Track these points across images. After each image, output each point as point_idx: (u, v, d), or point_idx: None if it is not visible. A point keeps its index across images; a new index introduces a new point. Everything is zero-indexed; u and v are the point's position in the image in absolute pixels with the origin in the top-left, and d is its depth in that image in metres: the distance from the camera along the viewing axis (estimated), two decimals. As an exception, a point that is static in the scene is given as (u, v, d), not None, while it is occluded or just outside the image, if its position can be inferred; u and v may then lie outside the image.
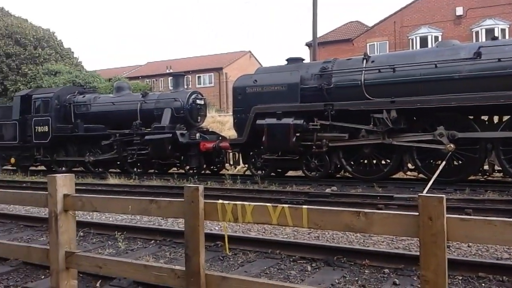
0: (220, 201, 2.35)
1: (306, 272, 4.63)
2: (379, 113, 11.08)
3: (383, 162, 11.78)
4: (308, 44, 30.66)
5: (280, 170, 13.77)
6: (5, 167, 18.94)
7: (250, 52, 43.13)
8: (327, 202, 8.72)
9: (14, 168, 18.56)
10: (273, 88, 12.63)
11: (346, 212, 2.12)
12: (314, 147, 11.99)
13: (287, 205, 2.26)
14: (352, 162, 12.01)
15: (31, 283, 4.54)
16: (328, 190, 10.62)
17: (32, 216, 8.20)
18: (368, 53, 13.03)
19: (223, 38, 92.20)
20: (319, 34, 23.67)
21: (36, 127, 17.20)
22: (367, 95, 11.44)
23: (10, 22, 31.99)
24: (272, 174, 13.37)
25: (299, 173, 13.52)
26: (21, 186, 13.62)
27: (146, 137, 15.03)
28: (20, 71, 30.12)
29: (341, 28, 33.70)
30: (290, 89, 12.41)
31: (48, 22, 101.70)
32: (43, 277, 4.80)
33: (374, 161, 11.81)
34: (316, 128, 11.94)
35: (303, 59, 13.72)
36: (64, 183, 2.65)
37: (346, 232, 6.20)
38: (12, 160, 18.20)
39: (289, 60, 13.38)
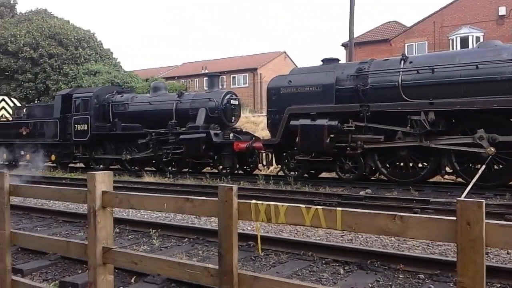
0: (254, 201, 2.35)
1: (339, 275, 4.58)
2: (416, 115, 10.85)
3: (419, 165, 11.52)
4: (344, 45, 30.34)
5: (313, 172, 13.68)
6: (46, 164, 19.62)
7: (285, 52, 43.05)
8: (361, 205, 8.60)
9: (54, 165, 19.19)
10: (308, 89, 12.56)
11: (381, 215, 2.08)
12: (348, 148, 11.86)
13: (320, 207, 2.24)
14: (387, 165, 11.81)
15: (68, 277, 4.69)
16: (362, 193, 10.48)
17: (71, 212, 8.46)
18: (406, 54, 12.78)
19: (258, 38, 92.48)
20: (355, 34, 23.39)
21: (76, 125, 17.72)
22: (404, 97, 11.22)
23: (53, 24, 33.11)
24: (305, 175, 13.30)
25: (333, 174, 13.40)
26: (61, 182, 14.06)
27: (181, 136, 15.23)
28: (61, 71, 31.12)
29: (378, 28, 33.19)
30: (325, 90, 12.32)
31: (88, 23, 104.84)
32: (80, 271, 4.95)
33: (411, 164, 11.56)
34: (351, 130, 11.80)
35: (339, 60, 13.60)
36: (102, 180, 2.72)
37: (380, 236, 6.11)
38: (53, 157, 18.82)
39: (325, 61, 13.29)
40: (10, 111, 24.27)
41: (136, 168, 16.78)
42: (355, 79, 12.15)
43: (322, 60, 13.37)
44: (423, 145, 10.89)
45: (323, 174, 14.09)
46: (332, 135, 11.96)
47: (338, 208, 2.18)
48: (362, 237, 6.20)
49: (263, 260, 5.17)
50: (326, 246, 5.37)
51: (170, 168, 16.04)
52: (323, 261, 5.01)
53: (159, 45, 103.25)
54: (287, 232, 6.73)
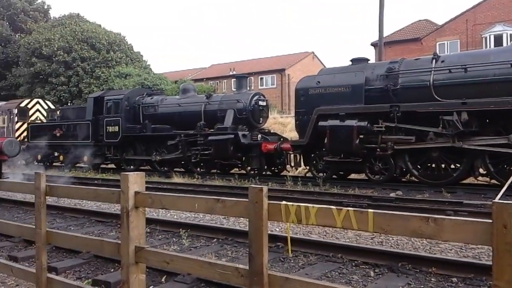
0: (284, 202, 2.35)
1: (369, 278, 4.53)
2: (449, 115, 10.61)
3: (452, 166, 11.26)
4: (374, 44, 29.97)
5: (342, 173, 13.56)
6: (78, 165, 20.11)
7: (313, 53, 42.85)
8: (392, 207, 8.46)
9: (87, 166, 19.63)
10: (337, 89, 12.46)
11: (414, 217, 2.05)
12: (378, 149, 11.70)
13: (352, 209, 2.22)
14: (418, 166, 11.59)
15: (101, 276, 4.79)
16: (392, 195, 10.32)
17: (103, 211, 8.63)
18: (438, 53, 12.52)
19: (286, 39, 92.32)
20: (385, 34, 23.07)
21: (108, 127, 18.09)
22: (436, 96, 11.00)
23: (86, 28, 33.95)
24: (334, 176, 13.19)
25: (362, 176, 13.24)
26: (93, 183, 14.36)
27: (209, 137, 15.35)
28: (93, 74, 31.86)
29: (409, 27, 32.63)
30: (354, 90, 12.19)
31: (119, 27, 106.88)
32: (112, 270, 5.04)
33: (443, 165, 11.30)
34: (381, 130, 11.63)
35: (368, 60, 13.44)
36: (135, 181, 2.77)
37: (411, 239, 6.01)
38: (85, 158, 19.26)
39: (354, 61, 13.16)
40: (45, 114, 25.03)
41: (165, 169, 17.00)
42: (385, 79, 11.98)
43: (351, 60, 13.24)
44: (456, 146, 10.64)
45: (352, 176, 13.94)
46: (361, 136, 11.82)
47: (370, 210, 2.16)
48: (393, 239, 6.11)
49: (292, 261, 5.16)
50: (356, 248, 5.32)
51: (198, 169, 16.18)
52: (353, 263, 4.96)
53: (188, 47, 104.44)
54: (316, 233, 6.69)
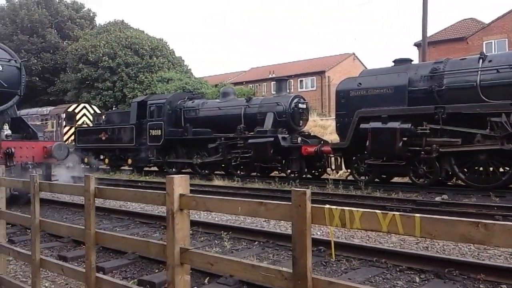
0: (328, 206, 2.33)
1: (414, 284, 4.42)
2: (497, 116, 10.22)
3: (501, 169, 10.82)
4: (417, 44, 29.26)
5: (385, 176, 13.29)
6: (122, 167, 20.68)
7: (354, 54, 42.28)
8: (437, 211, 8.23)
9: (131, 168, 20.17)
10: (379, 91, 12.25)
11: (463, 222, 1.98)
12: (422, 152, 11.39)
13: (398, 213, 2.18)
14: (465, 169, 11.20)
15: (146, 276, 4.91)
16: (438, 199, 10.03)
17: (147, 213, 8.84)
18: (485, 52, 12.09)
19: (326, 41, 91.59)
20: (429, 33, 22.47)
21: (151, 130, 18.52)
22: (483, 97, 10.62)
23: (130, 34, 34.92)
24: (376, 180, 12.95)
25: (406, 179, 12.94)
26: (137, 185, 14.74)
27: (249, 140, 15.42)
28: (137, 79, 32.70)
29: (453, 26, 31.67)
30: (397, 92, 11.94)
31: (161, 32, 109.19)
32: (156, 271, 5.16)
33: (491, 169, 10.88)
34: (425, 133, 11.33)
35: (412, 60, 13.14)
36: (180, 184, 2.82)
37: (458, 244, 5.83)
38: (129, 161, 19.80)
39: (396, 62, 12.90)
40: (91, 118, 25.93)
41: (206, 171, 17.21)
42: (429, 80, 11.68)
43: (394, 61, 12.99)
44: (505, 148, 10.21)
45: (395, 179, 13.65)
46: (404, 138, 11.55)
47: (417, 215, 2.11)
48: (439, 244, 5.94)
49: (334, 265, 5.11)
50: (400, 253, 5.21)
51: (239, 172, 16.29)
52: (397, 269, 4.86)
53: (228, 51, 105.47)
54: (358, 238, 6.60)
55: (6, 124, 10.77)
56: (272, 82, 35.95)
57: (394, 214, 2.15)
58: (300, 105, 15.98)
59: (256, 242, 6.33)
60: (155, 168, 20.12)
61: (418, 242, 6.14)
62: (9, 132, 10.63)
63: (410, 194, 11.17)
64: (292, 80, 35.75)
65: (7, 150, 9.87)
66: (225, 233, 6.54)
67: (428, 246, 5.98)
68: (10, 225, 7.59)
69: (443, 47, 28.30)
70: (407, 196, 10.69)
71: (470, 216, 7.63)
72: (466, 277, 4.47)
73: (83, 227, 3.64)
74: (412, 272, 4.75)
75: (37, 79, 38.00)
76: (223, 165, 17.07)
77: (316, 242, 5.74)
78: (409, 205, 9.20)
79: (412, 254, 5.14)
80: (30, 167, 10.07)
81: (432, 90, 11.45)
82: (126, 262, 5.51)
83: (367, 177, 12.76)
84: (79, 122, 25.54)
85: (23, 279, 4.96)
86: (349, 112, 12.65)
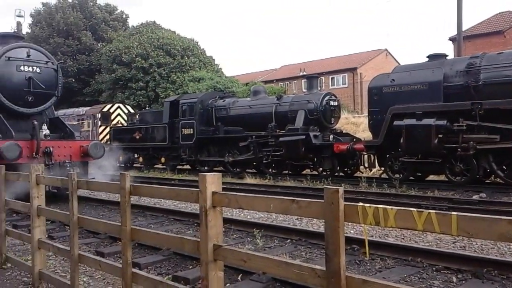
0: (361, 203, 2.31)
1: (451, 283, 4.32)
2: (537, 112, 9.85)
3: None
4: (452, 39, 28.53)
5: (419, 174, 13.02)
6: (156, 166, 21.03)
7: (386, 50, 41.53)
8: (474, 210, 8.00)
9: (164, 166, 20.50)
10: (413, 87, 12.00)
11: (503, 220, 1.92)
12: (459, 149, 11.10)
13: (433, 211, 2.13)
14: (504, 167, 10.85)
15: (180, 272, 4.98)
16: (475, 197, 9.76)
17: (181, 210, 8.96)
18: (524, 45, 11.67)
19: (357, 37, 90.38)
20: (464, 27, 21.85)
21: (183, 129, 18.76)
22: (522, 92, 10.26)
23: (162, 35, 35.43)
24: (411, 178, 12.71)
25: (442, 177, 12.64)
26: (170, 183, 14.95)
27: (281, 138, 15.40)
28: (169, 78, 33.16)
29: (490, 19, 30.67)
30: (431, 88, 11.68)
31: (192, 32, 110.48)
32: (190, 267, 5.23)
33: (531, 166, 10.51)
34: (462, 129, 11.03)
35: (447, 55, 12.81)
36: (212, 181, 2.85)
37: (497, 243, 5.66)
38: (162, 159, 20.13)
39: (431, 57, 12.60)
40: (125, 117, 26.48)
41: (237, 169, 17.30)
42: (465, 75, 11.37)
43: (428, 56, 12.70)
44: (547, 145, 9.84)
45: (431, 177, 13.36)
46: (440, 135, 11.29)
47: (453, 213, 2.06)
48: (477, 244, 5.79)
49: (368, 264, 5.05)
50: (436, 252, 5.10)
51: (270, 170, 16.29)
52: (434, 268, 4.76)
53: (258, 49, 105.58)
54: (393, 237, 6.50)
55: (45, 124, 11.13)
56: (303, 80, 35.79)
57: (429, 212, 2.11)
58: (332, 103, 15.84)
59: (289, 240, 6.32)
60: (188, 166, 20.37)
61: (455, 242, 6.00)
62: (47, 132, 10.98)
63: (446, 192, 10.91)
64: (323, 78, 35.45)
65: (46, 149, 10.20)
66: (257, 231, 6.56)
67: (466, 245, 5.83)
68: (50, 222, 7.84)
69: (479, 41, 27.47)
70: (443, 195, 10.45)
71: (510, 215, 7.39)
72: (505, 277, 4.34)
73: (119, 224, 3.73)
74: (449, 272, 4.64)
75: (73, 80, 39.07)
76: (254, 163, 17.12)
77: (349, 240, 5.67)
78: (445, 203, 8.99)
79: (449, 254, 5.02)
80: (68, 165, 10.38)
81: (468, 86, 11.15)
82: (160, 258, 5.62)
83: (401, 175, 12.54)
84: (114, 122, 26.11)
85: (62, 274, 5.12)
86: (382, 109, 12.46)
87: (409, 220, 2.14)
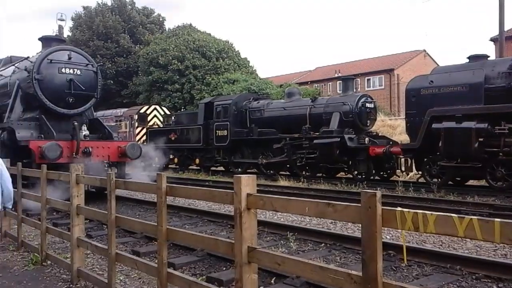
0: (399, 208, 2.25)
1: (493, 293, 4.16)
2: None
3: None
4: (493, 39, 27.58)
5: (459, 179, 12.64)
6: (190, 167, 21.26)
7: (424, 51, 40.57)
8: (517, 217, 7.70)
9: (198, 168, 20.71)
10: (452, 88, 11.67)
11: (550, 229, 1.84)
12: (500, 153, 10.71)
13: (475, 217, 2.06)
14: (549, 172, 10.40)
15: (214, 273, 5.01)
16: (518, 203, 9.39)
17: (214, 212, 9.02)
18: None
19: (394, 38, 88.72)
20: (506, 27, 21.09)
21: (217, 131, 18.90)
22: None
23: (197, 37, 35.87)
24: (450, 182, 12.36)
25: (482, 182, 12.24)
26: (204, 184, 15.09)
27: (315, 141, 15.28)
28: (204, 80, 33.52)
29: (534, 18, 29.47)
30: (472, 90, 11.32)
31: (227, 34, 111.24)
32: (224, 268, 5.25)
33: None
34: (504, 133, 10.64)
35: (488, 56, 12.41)
36: (247, 183, 2.85)
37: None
38: (197, 160, 20.33)
39: (471, 58, 12.24)
40: (161, 119, 26.95)
41: (271, 172, 17.28)
42: (508, 77, 10.98)
43: (469, 57, 12.34)
44: None
45: (471, 182, 12.95)
46: (481, 139, 10.93)
47: (496, 219, 1.98)
48: (520, 252, 5.56)
49: (405, 271, 4.94)
50: (476, 260, 4.94)
51: (304, 173, 16.18)
52: (473, 276, 4.61)
53: (293, 51, 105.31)
54: (430, 243, 6.33)
55: (85, 125, 11.45)
56: (338, 82, 35.44)
57: (471, 218, 2.04)
58: (368, 105, 15.60)
59: (323, 244, 6.26)
60: (221, 168, 20.50)
61: (496, 249, 5.79)
62: (87, 132, 11.29)
63: (487, 198, 10.55)
64: (358, 79, 35.01)
65: (85, 149, 10.49)
66: (290, 234, 6.52)
67: (507, 253, 5.62)
68: (88, 220, 8.05)
69: (523, 42, 26.42)
70: (484, 200, 10.11)
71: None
72: (550, 288, 4.15)
73: (155, 224, 3.78)
74: (490, 281, 4.48)
75: (112, 82, 40.06)
76: (288, 166, 17.05)
77: (385, 246, 5.56)
78: (486, 209, 8.70)
79: (489, 261, 4.85)
80: (106, 165, 10.63)
81: (511, 88, 10.74)
82: (195, 258, 5.66)
83: (439, 180, 12.21)
84: (150, 123, 26.60)
85: (99, 272, 5.24)
86: (420, 112, 12.17)
87: (449, 226, 2.07)
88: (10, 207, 6.02)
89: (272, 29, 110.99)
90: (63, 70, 11.10)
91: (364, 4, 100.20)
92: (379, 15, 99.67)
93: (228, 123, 18.45)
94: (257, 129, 17.69)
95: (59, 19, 12.06)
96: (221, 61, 34.63)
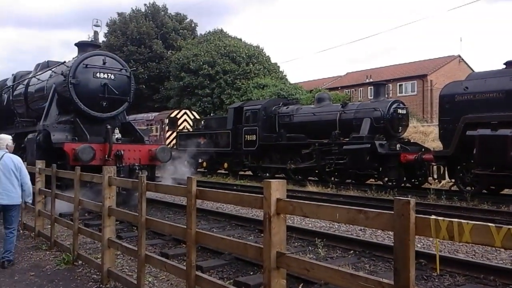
0: (434, 216, 2.20)
1: (530, 307, 4.01)
2: None
3: None
4: (531, 45, 26.71)
5: (493, 187, 12.26)
6: (219, 171, 21.37)
7: (459, 56, 39.62)
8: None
9: (226, 172, 20.80)
10: (488, 95, 11.35)
11: None
12: (538, 162, 10.34)
13: (514, 227, 1.98)
14: None
15: (242, 277, 5.00)
16: (556, 214, 9.03)
17: (243, 216, 9.03)
18: None
19: (428, 43, 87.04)
20: (546, 32, 20.38)
21: (246, 135, 18.95)
22: None
23: (228, 43, 36.16)
24: (484, 191, 12.00)
25: (518, 191, 11.84)
26: (232, 188, 15.12)
27: (344, 147, 15.11)
28: (234, 85, 33.73)
29: None
30: (508, 97, 10.98)
31: (258, 39, 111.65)
32: (251, 273, 5.24)
33: None
34: (542, 141, 10.27)
35: (526, 62, 12.01)
36: (277, 188, 2.83)
37: None
38: (225, 164, 20.43)
39: (508, 64, 11.88)
40: (191, 123, 27.25)
41: (299, 177, 17.18)
42: (546, 83, 10.59)
43: (506, 63, 11.98)
44: None
45: (506, 191, 12.54)
46: (517, 147, 10.57)
47: (536, 230, 1.91)
48: (559, 265, 5.33)
49: (437, 280, 4.81)
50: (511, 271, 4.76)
51: (333, 179, 16.03)
52: (509, 288, 4.45)
53: (324, 56, 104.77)
54: (463, 253, 6.15)
55: (117, 128, 11.66)
56: (369, 87, 35.05)
57: (509, 228, 1.97)
58: (400, 111, 15.33)
59: (352, 251, 6.17)
60: (249, 172, 20.53)
61: (534, 261, 5.57)
62: (119, 135, 11.50)
63: (523, 208, 10.19)
64: (390, 85, 34.47)
65: (117, 152, 10.69)
66: (319, 240, 6.46)
67: (546, 266, 5.40)
68: (118, 222, 8.19)
69: None
70: (520, 210, 9.77)
71: None
72: None
73: (185, 227, 3.81)
74: (527, 294, 4.32)
75: (144, 86, 40.77)
76: (317, 171, 16.93)
77: (417, 254, 5.43)
78: (522, 219, 8.40)
79: (526, 274, 4.67)
80: (137, 168, 10.80)
81: (550, 94, 10.37)
82: (222, 262, 5.68)
83: (473, 188, 11.88)
84: (180, 127, 26.93)
85: (129, 273, 5.31)
86: (454, 118, 11.89)
87: (486, 236, 2.01)
88: (30, 202, 6.25)
89: (303, 35, 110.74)
90: (97, 74, 11.36)
91: (397, 9, 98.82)
92: (412, 21, 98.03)
93: (257, 128, 18.48)
94: (286, 134, 17.64)
95: (94, 25, 12.37)
96: (251, 66, 34.79)
